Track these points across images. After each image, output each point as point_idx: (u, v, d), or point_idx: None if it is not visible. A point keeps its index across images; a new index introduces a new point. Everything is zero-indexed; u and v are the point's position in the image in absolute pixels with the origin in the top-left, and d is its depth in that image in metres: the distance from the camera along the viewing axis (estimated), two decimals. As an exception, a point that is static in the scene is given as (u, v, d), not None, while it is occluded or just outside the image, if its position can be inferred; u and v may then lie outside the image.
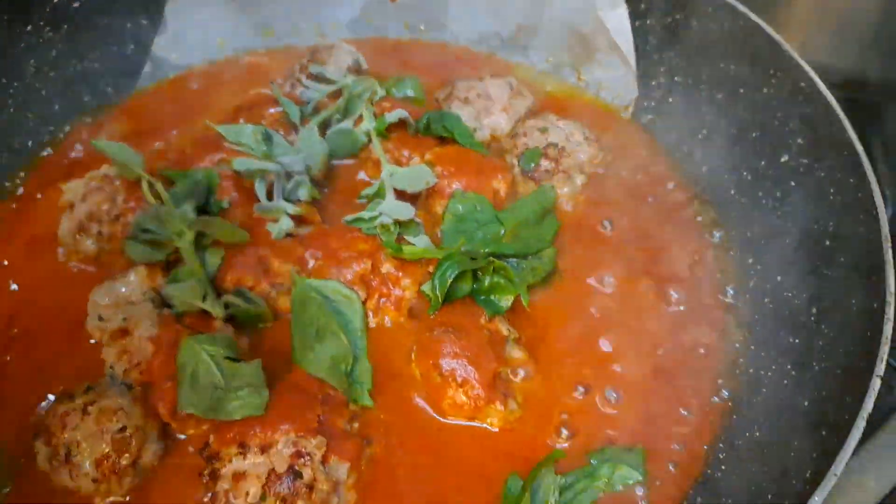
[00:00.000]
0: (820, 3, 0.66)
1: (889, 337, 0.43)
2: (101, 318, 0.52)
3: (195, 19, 0.71)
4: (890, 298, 0.44)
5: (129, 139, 0.63)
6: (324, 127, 0.63)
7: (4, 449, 0.48)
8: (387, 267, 0.54)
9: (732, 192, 0.60)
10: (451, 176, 0.59)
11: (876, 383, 0.41)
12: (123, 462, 0.45)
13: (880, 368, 0.41)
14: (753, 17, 0.59)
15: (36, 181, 0.63)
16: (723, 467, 0.47)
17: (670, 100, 0.66)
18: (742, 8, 0.59)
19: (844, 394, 0.43)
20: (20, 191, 0.63)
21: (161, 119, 0.66)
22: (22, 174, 0.63)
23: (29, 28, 0.65)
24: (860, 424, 0.40)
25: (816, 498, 0.38)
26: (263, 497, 0.44)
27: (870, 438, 0.60)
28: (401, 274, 0.54)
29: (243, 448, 0.45)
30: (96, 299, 0.53)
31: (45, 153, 0.65)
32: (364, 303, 0.53)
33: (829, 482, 0.38)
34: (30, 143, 0.64)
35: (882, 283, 0.45)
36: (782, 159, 0.57)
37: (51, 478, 0.46)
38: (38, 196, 0.62)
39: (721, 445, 0.49)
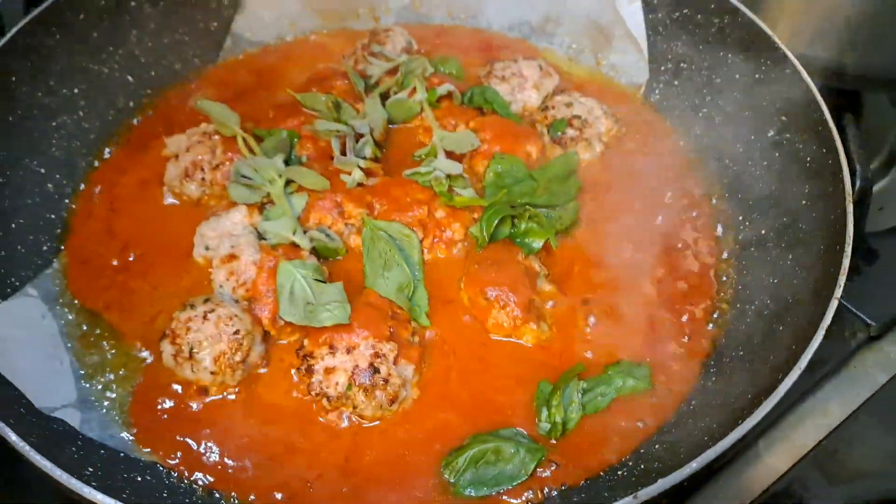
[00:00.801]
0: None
1: (847, 268, 0.54)
2: (207, 248, 0.63)
3: (269, 2, 0.81)
4: (849, 239, 0.56)
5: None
6: (383, 97, 0.74)
7: (133, 349, 0.60)
8: (440, 213, 0.64)
9: (727, 161, 0.70)
10: (491, 140, 0.69)
11: (834, 304, 0.53)
12: (236, 358, 0.55)
13: (838, 293, 0.53)
14: (748, 13, 0.69)
15: (138, 136, 0.73)
16: (713, 379, 0.59)
17: (676, 83, 0.75)
18: (739, 5, 0.70)
19: (812, 318, 0.54)
20: (127, 143, 0.73)
21: (243, 87, 0.76)
22: (126, 130, 0.75)
23: (133, 3, 0.74)
24: (819, 336, 0.51)
25: (785, 384, 0.49)
26: (349, 387, 0.55)
27: (833, 376, 0.72)
28: (452, 219, 0.64)
29: (332, 349, 0.56)
30: (204, 232, 0.63)
31: (147, 113, 0.74)
32: (421, 241, 0.63)
33: (795, 373, 0.50)
34: (131, 104, 0.74)
35: (844, 229, 0.57)
36: (769, 134, 0.68)
37: (174, 372, 0.56)
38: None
39: (712, 362, 0.60)
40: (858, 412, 0.67)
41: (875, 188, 0.92)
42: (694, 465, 0.46)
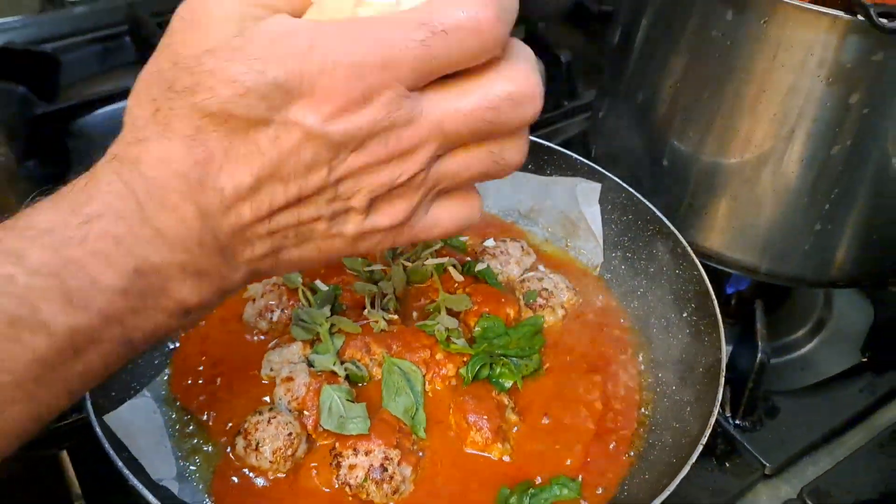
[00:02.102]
0: (729, 217, 1.00)
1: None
2: (272, 370, 0.87)
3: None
4: (718, 403, 0.79)
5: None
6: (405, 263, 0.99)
7: (216, 440, 0.83)
8: (439, 356, 0.85)
9: (654, 330, 0.94)
10: (481, 303, 0.91)
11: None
12: (289, 453, 0.75)
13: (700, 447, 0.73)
14: (670, 225, 0.92)
15: None
16: (625, 493, 0.81)
17: (623, 267, 0.98)
18: (664, 219, 0.94)
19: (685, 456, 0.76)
20: None
21: None
22: None
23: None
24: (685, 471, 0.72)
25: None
26: (365, 479, 0.76)
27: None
28: (447, 361, 0.85)
29: (355, 451, 0.77)
30: (270, 358, 0.86)
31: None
32: (424, 376, 0.85)
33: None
34: None
35: (717, 387, 0.79)
36: (683, 315, 0.92)
37: (244, 459, 0.76)
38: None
39: (625, 482, 0.82)
40: (748, 531, 0.89)
41: (802, 351, 1.16)
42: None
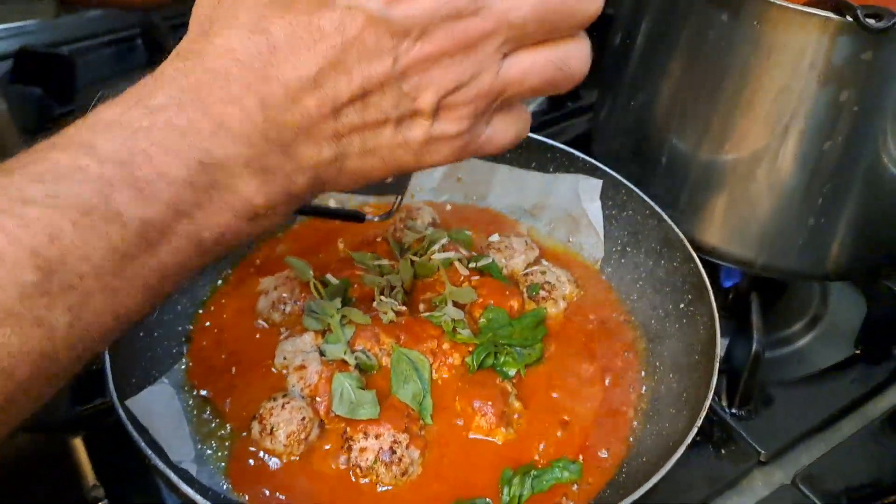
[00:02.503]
0: (725, 213, 1.02)
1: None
2: (285, 359, 0.90)
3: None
4: (712, 390, 0.82)
5: (293, 255, 1.03)
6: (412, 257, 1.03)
7: (232, 425, 0.86)
8: (446, 345, 0.88)
9: (652, 321, 0.98)
10: (486, 296, 0.94)
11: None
12: (301, 436, 0.78)
13: (695, 429, 0.76)
14: (669, 221, 0.96)
15: (238, 276, 0.99)
16: (623, 475, 0.84)
17: (622, 261, 1.01)
18: (663, 215, 0.97)
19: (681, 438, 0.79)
20: (230, 280, 1.00)
21: (314, 242, 1.02)
22: (228, 271, 0.99)
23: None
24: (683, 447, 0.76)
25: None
26: (375, 461, 0.79)
27: (729, 488, 0.95)
28: (453, 350, 0.88)
29: (366, 435, 0.80)
30: (284, 348, 0.89)
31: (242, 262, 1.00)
32: (431, 365, 0.87)
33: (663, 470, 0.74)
34: (231, 258, 0.99)
35: (711, 375, 0.82)
36: (680, 306, 0.96)
37: (259, 443, 0.80)
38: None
39: (624, 464, 0.85)
40: (744, 514, 0.92)
41: (798, 344, 1.19)
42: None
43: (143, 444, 0.72)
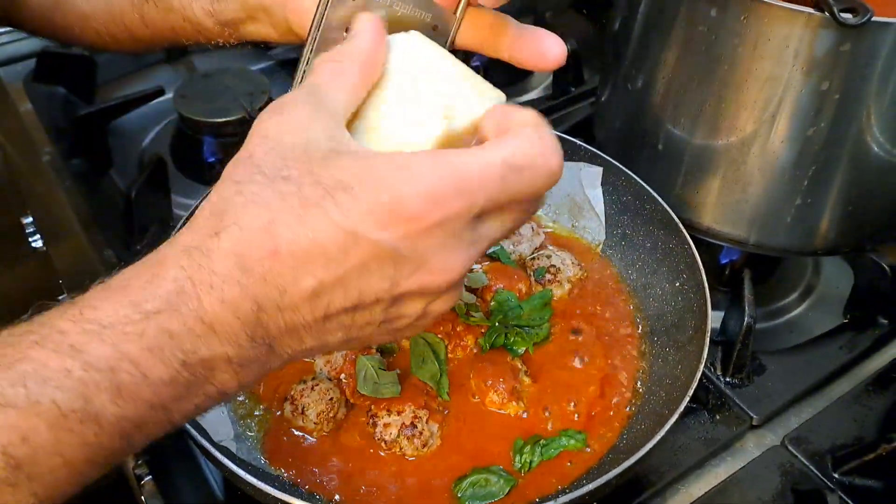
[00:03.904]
0: (718, 195, 1.08)
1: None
2: (312, 344, 0.98)
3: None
4: (704, 360, 0.89)
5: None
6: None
7: (268, 407, 0.93)
8: (460, 328, 0.93)
9: (650, 299, 1.04)
10: (495, 280, 1.01)
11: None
12: (330, 415, 0.84)
13: (687, 398, 0.83)
14: (664, 204, 1.01)
15: None
16: (625, 441, 0.91)
17: (623, 243, 1.06)
18: (659, 200, 1.02)
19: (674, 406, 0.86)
20: None
21: None
22: None
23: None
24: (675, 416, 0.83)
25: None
26: (398, 435, 0.85)
27: (723, 450, 1.01)
28: (467, 332, 0.94)
29: (389, 412, 0.86)
30: None
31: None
32: (447, 346, 0.93)
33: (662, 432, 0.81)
34: None
35: (703, 346, 0.88)
36: (676, 284, 1.02)
37: (291, 422, 0.86)
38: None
39: (624, 433, 0.92)
40: (737, 474, 0.99)
41: (792, 314, 1.25)
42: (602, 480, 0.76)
43: (187, 425, 0.79)
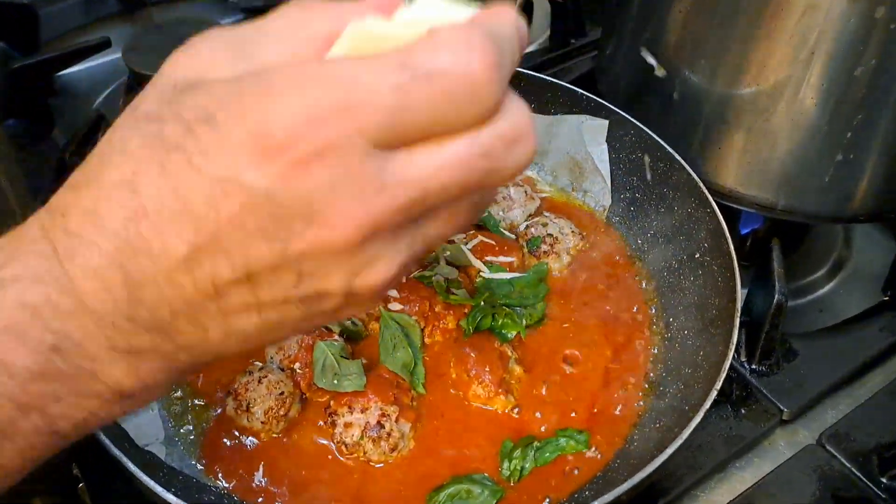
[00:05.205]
0: (743, 151, 0.95)
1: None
2: (263, 328, 0.83)
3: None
4: (733, 346, 0.75)
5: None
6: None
7: (207, 403, 0.80)
8: (438, 307, 0.82)
9: (665, 273, 0.89)
10: (481, 251, 0.90)
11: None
12: (280, 413, 0.73)
13: (718, 385, 0.70)
14: (683, 163, 0.88)
15: None
16: (634, 443, 0.77)
17: (631, 209, 0.94)
18: (678, 157, 0.88)
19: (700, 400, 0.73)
20: None
21: None
22: None
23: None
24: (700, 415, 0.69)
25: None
26: (362, 437, 0.73)
27: (749, 450, 0.89)
28: (447, 313, 0.82)
29: (351, 409, 0.74)
30: None
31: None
32: (422, 329, 0.81)
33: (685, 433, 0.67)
34: None
35: (731, 329, 0.74)
36: (696, 256, 0.88)
37: (235, 421, 0.74)
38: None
39: (636, 432, 0.79)
40: (766, 478, 0.85)
41: (821, 292, 1.12)
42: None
43: (100, 434, 0.64)
